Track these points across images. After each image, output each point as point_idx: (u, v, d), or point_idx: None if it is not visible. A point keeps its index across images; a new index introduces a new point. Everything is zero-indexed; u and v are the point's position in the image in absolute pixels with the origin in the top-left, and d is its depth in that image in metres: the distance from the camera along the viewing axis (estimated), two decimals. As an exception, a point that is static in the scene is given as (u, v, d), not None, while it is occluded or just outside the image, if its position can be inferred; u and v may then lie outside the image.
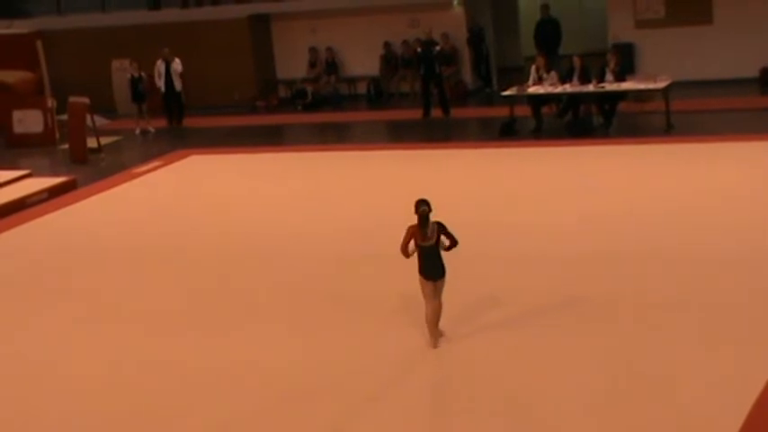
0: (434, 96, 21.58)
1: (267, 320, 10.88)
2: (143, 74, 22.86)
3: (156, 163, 19.21)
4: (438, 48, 21.78)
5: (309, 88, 24.52)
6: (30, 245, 14.75)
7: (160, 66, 23.04)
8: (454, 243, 9.51)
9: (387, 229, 13.39)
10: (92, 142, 20.60)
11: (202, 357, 10.05)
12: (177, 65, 23.02)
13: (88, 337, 10.87)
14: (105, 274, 12.92)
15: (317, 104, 24.24)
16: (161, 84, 23.06)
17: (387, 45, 24.34)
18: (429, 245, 9.41)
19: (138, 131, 22.71)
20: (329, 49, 24.97)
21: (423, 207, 9.35)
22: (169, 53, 23.02)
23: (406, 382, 9.23)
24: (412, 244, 9.43)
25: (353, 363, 9.61)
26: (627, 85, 18.90)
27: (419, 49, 21.80)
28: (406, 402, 8.79)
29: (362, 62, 24.84)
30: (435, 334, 9.64)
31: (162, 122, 23.27)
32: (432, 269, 9.45)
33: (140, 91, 22.82)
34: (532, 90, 19.23)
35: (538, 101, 19.29)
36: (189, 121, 23.28)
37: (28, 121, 22.35)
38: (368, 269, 12.18)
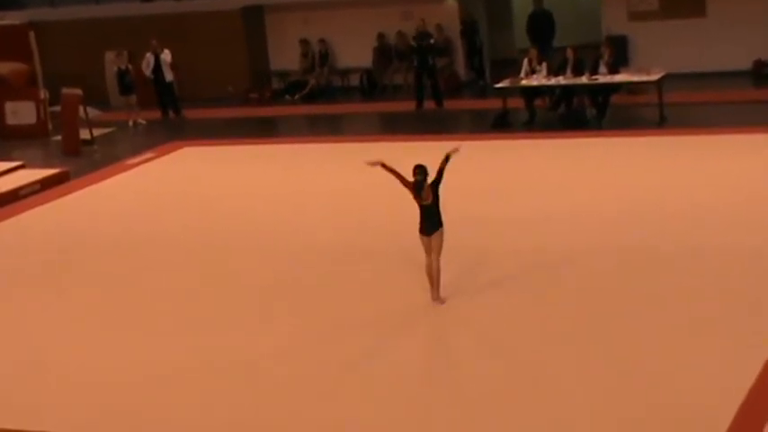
0: (428, 88, 21.53)
1: (265, 303, 10.92)
2: (130, 66, 22.66)
3: (148, 155, 19.15)
4: (432, 40, 21.70)
5: (312, 80, 24.46)
6: (22, 237, 14.72)
7: (149, 58, 22.94)
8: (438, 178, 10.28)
9: (380, 219, 13.44)
10: (84, 134, 20.54)
11: (197, 345, 10.05)
12: (167, 55, 22.90)
13: (81, 330, 10.85)
14: (98, 267, 12.90)
15: (313, 96, 24.19)
16: (149, 74, 22.98)
17: (381, 36, 24.28)
18: (426, 204, 10.34)
19: (131, 123, 22.54)
20: (322, 41, 24.91)
21: (417, 177, 10.23)
22: (158, 44, 22.93)
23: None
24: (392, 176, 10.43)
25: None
26: (620, 78, 18.87)
27: (413, 42, 21.72)
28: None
29: (355, 54, 24.77)
30: (436, 286, 10.44)
31: (156, 114, 23.17)
32: (428, 226, 10.37)
33: (127, 83, 22.62)
34: (525, 82, 19.19)
35: (531, 93, 19.26)
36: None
37: (21, 112, 22.27)
38: (360, 258, 12.20)
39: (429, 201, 10.32)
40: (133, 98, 22.64)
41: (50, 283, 12.48)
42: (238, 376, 9.37)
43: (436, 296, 10.51)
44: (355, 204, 14.51)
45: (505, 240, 12.43)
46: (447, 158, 10.34)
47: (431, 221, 10.36)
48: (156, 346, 10.26)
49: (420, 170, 10.27)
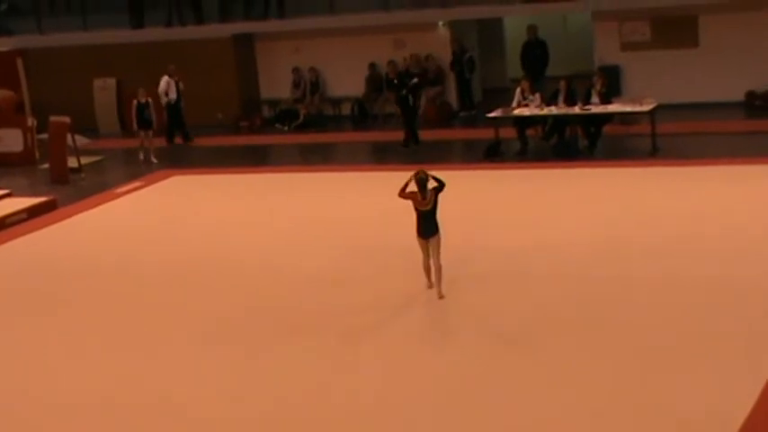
0: (415, 119, 21.07)
1: (246, 332, 10.92)
2: (149, 99, 21.75)
3: (137, 183, 19.21)
4: (415, 80, 21.32)
5: (303, 110, 24.58)
6: (8, 265, 14.73)
7: (170, 82, 22.91)
8: (441, 185, 11.46)
9: (371, 250, 13.48)
10: (72, 162, 20.57)
11: (183, 373, 10.07)
12: (180, 82, 23.08)
13: (66, 360, 10.86)
14: (84, 296, 12.91)
15: (304, 125, 24.30)
16: (172, 96, 22.92)
17: (371, 66, 24.43)
18: (426, 210, 11.40)
19: (153, 159, 21.37)
20: (313, 70, 25.05)
21: (420, 175, 11.36)
22: (174, 70, 23.02)
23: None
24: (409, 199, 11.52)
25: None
26: (613, 108, 19.00)
27: (395, 80, 21.44)
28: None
29: (346, 83, 24.91)
30: (438, 283, 11.52)
31: (159, 142, 22.97)
32: (426, 230, 11.44)
33: (146, 118, 21.60)
34: (518, 112, 19.31)
35: (523, 123, 19.37)
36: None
37: (7, 140, 22.33)
38: (349, 289, 12.24)
39: (429, 207, 11.38)
40: (151, 133, 21.68)
41: (34, 311, 12.48)
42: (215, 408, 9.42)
43: (429, 283, 11.68)
44: (346, 234, 14.56)
45: (496, 268, 12.48)
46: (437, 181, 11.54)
47: (429, 225, 11.42)
48: (142, 370, 10.27)
49: (421, 171, 11.50)
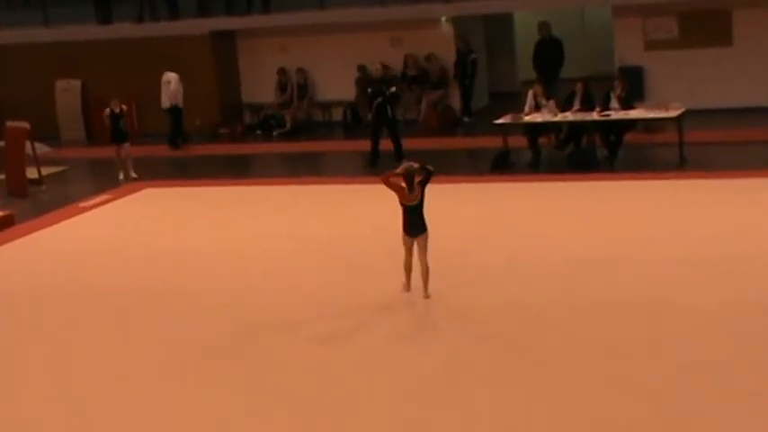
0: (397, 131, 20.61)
1: (223, 359, 10.92)
2: (123, 107, 21.00)
3: (104, 196, 19.19)
4: (394, 88, 20.87)
5: (288, 115, 24.62)
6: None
7: (179, 79, 23.25)
8: (428, 174, 12.09)
9: (362, 271, 13.48)
10: (32, 172, 20.54)
11: (146, 400, 10.05)
12: None
13: (20, 383, 10.86)
14: (42, 319, 12.88)
15: (290, 132, 24.34)
16: (179, 98, 23.31)
17: (361, 68, 24.39)
18: (413, 204, 11.94)
19: (121, 177, 20.78)
20: (300, 71, 25.07)
21: (409, 166, 12.01)
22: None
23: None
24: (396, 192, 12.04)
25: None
26: (635, 114, 18.96)
27: (369, 89, 20.98)
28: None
29: (338, 86, 24.94)
30: (410, 279, 12.23)
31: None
32: (413, 227, 11.99)
33: (121, 129, 20.75)
34: (529, 118, 19.31)
35: (535, 130, 19.36)
36: (143, 150, 23.11)
37: (-41, 148, 22.31)
38: (333, 310, 12.28)
39: (416, 201, 11.93)
40: (127, 147, 20.84)
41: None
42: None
43: (426, 292, 12.12)
44: (334, 251, 14.53)
45: (506, 291, 12.45)
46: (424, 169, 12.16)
47: (416, 222, 11.99)
48: (99, 399, 10.22)
49: (410, 165, 12.13)
